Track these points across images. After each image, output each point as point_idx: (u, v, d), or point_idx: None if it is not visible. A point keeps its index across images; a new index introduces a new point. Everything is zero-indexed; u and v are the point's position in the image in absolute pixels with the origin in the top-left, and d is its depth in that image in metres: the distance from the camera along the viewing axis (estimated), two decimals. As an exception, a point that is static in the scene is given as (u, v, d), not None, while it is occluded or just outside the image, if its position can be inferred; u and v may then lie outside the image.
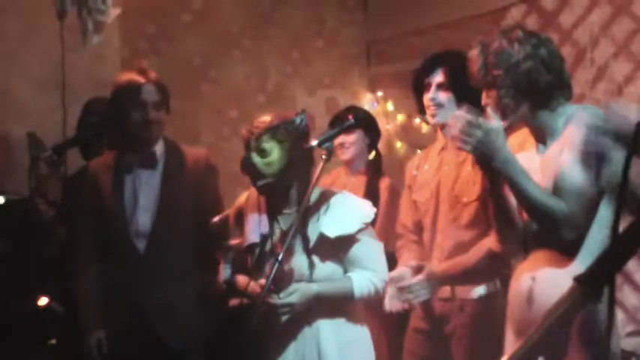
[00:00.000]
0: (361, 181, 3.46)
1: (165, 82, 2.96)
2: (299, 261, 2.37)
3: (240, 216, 2.56)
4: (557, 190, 2.11)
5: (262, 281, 2.31)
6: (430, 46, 4.00)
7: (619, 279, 3.49)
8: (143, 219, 2.79)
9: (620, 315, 3.55)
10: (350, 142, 3.43)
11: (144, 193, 2.81)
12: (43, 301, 3.09)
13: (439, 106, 2.86)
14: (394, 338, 3.21)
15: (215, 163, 3.01)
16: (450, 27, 4.58)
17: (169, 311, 2.75)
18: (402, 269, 2.85)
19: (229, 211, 2.62)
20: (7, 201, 3.10)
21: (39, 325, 3.08)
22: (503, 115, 2.24)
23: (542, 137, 2.29)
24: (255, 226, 2.45)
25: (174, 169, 2.87)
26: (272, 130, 2.40)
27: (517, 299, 2.27)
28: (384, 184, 3.52)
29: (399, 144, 4.88)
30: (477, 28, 4.21)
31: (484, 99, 2.30)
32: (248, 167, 2.42)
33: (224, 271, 2.60)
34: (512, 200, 2.26)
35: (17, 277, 3.13)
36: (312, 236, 2.38)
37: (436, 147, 3.02)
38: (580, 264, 2.10)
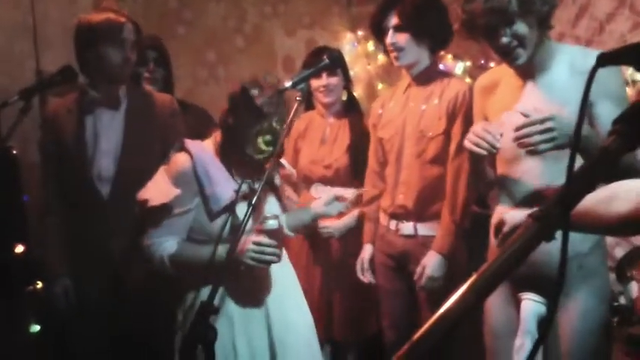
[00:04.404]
0: (343, 121, 3.40)
1: (140, 25, 2.90)
2: (273, 209, 2.44)
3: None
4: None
5: (255, 237, 2.22)
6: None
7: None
8: (106, 163, 2.69)
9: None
10: (334, 84, 3.34)
11: (105, 136, 2.70)
12: (19, 248, 3.10)
13: (399, 49, 2.87)
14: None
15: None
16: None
17: (133, 258, 2.64)
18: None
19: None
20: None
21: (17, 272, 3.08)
22: (524, 49, 2.10)
23: (531, 72, 2.20)
24: (227, 183, 2.32)
25: (138, 111, 2.76)
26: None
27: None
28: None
29: (380, 85, 4.83)
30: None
31: (484, 42, 2.17)
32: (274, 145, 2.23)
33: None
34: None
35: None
36: (278, 183, 2.50)
37: (402, 85, 3.03)
38: None
